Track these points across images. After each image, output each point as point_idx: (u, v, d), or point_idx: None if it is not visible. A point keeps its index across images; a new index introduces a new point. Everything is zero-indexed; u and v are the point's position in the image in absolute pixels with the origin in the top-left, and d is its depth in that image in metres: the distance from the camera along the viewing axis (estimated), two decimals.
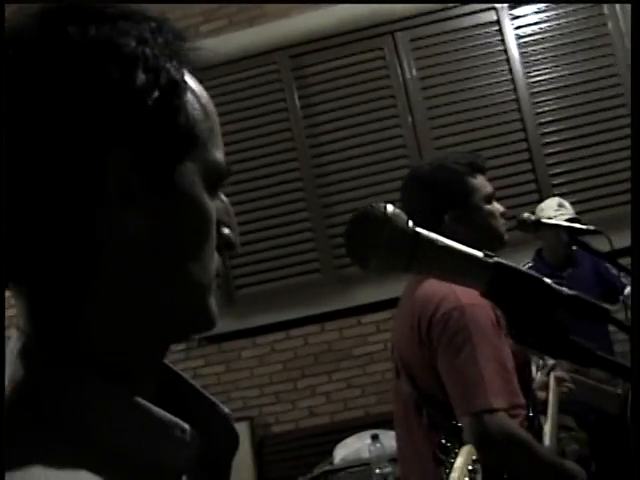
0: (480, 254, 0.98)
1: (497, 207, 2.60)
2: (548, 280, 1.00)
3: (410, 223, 0.96)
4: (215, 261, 0.87)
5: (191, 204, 0.83)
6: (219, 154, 0.87)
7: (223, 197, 0.90)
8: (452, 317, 2.32)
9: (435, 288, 2.40)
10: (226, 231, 0.89)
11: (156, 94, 0.79)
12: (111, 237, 0.78)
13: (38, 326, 0.80)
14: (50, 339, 0.79)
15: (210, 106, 0.88)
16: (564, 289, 1.02)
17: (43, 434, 0.73)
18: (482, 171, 2.62)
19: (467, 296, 2.31)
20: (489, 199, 2.59)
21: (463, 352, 2.28)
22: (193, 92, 0.85)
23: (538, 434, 2.51)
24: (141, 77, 0.78)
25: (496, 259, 0.98)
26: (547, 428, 2.65)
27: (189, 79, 0.85)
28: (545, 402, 2.80)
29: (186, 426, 0.81)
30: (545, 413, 2.73)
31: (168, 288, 0.82)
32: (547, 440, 2.57)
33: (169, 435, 0.80)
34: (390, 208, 0.96)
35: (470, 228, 2.51)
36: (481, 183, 2.59)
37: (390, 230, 0.94)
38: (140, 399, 0.79)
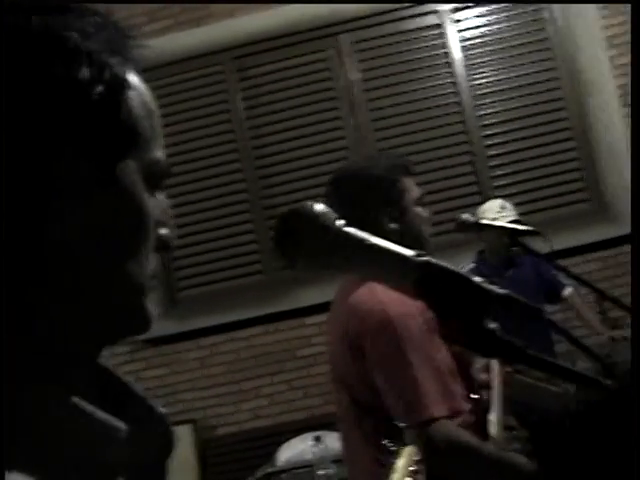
0: (410, 252, 0.97)
1: (424, 212, 2.60)
2: (478, 279, 1.00)
3: (339, 222, 0.95)
4: (152, 262, 0.85)
5: (131, 202, 0.81)
6: (160, 153, 0.86)
7: (161, 197, 0.88)
8: (381, 331, 2.29)
9: (364, 299, 2.36)
10: (163, 231, 0.88)
11: (100, 89, 0.78)
12: (50, 234, 0.76)
13: None
14: None
15: (152, 104, 0.87)
16: (494, 288, 1.02)
17: None
18: (411, 174, 2.61)
19: (395, 305, 2.29)
20: (417, 202, 2.59)
21: (397, 365, 2.26)
22: (136, 89, 0.84)
23: (482, 419, 2.50)
24: (85, 71, 0.77)
25: (426, 258, 0.97)
26: (493, 417, 2.63)
27: (132, 76, 0.84)
28: (488, 386, 2.80)
29: (122, 425, 0.80)
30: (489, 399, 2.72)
31: (106, 288, 0.80)
32: (493, 429, 2.57)
33: (104, 435, 0.79)
34: (319, 207, 0.95)
35: (401, 229, 2.50)
36: (410, 186, 2.59)
37: (318, 228, 0.93)
38: (75, 399, 0.77)
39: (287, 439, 4.87)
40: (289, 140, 5.83)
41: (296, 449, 4.59)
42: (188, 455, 5.56)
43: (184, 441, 5.62)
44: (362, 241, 0.95)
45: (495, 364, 2.87)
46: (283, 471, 4.48)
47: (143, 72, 0.86)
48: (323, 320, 5.42)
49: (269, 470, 4.57)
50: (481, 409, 2.56)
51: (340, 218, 0.96)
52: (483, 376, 2.86)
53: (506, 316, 1.01)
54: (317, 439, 4.04)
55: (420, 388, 2.23)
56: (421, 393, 2.23)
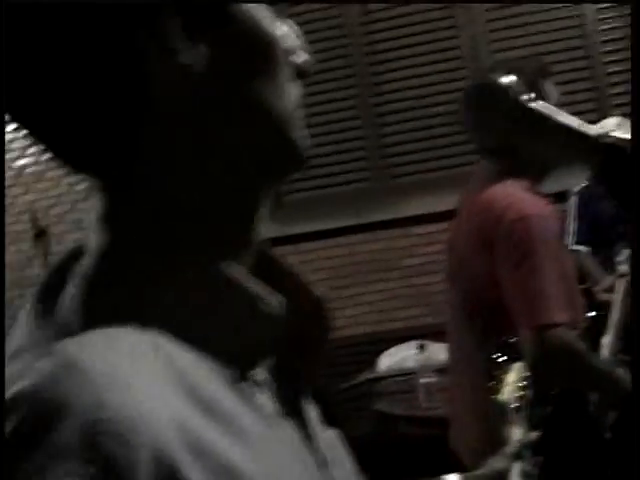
0: (594, 132, 0.94)
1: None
2: None
3: (526, 96, 0.92)
4: (294, 90, 0.79)
5: (255, 33, 0.74)
6: None
7: (289, 22, 0.81)
8: (517, 227, 2.27)
9: (501, 195, 2.34)
10: (298, 58, 0.81)
11: None
12: (171, 77, 0.70)
13: (106, 202, 0.75)
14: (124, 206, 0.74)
15: None
16: None
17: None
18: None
19: (533, 206, 2.27)
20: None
21: (526, 264, 2.24)
22: None
23: (596, 337, 2.49)
24: None
25: (610, 141, 0.94)
26: (606, 340, 2.59)
27: None
28: (608, 305, 2.76)
29: (277, 300, 0.74)
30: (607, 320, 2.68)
31: (249, 126, 0.75)
32: (606, 351, 2.54)
33: (257, 308, 0.73)
34: (507, 79, 0.92)
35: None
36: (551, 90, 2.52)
37: (509, 102, 0.90)
38: (232, 267, 0.74)
39: (386, 348, 4.85)
40: (406, 68, 5.73)
41: (398, 356, 4.57)
42: None
43: None
44: (548, 117, 0.92)
45: (621, 285, 2.82)
46: (383, 378, 4.48)
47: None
48: (428, 231, 5.43)
49: (369, 376, 4.56)
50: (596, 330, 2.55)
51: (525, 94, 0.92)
52: (604, 296, 2.83)
53: None
54: (421, 347, 4.02)
55: (546, 291, 2.21)
56: (545, 296, 2.20)
